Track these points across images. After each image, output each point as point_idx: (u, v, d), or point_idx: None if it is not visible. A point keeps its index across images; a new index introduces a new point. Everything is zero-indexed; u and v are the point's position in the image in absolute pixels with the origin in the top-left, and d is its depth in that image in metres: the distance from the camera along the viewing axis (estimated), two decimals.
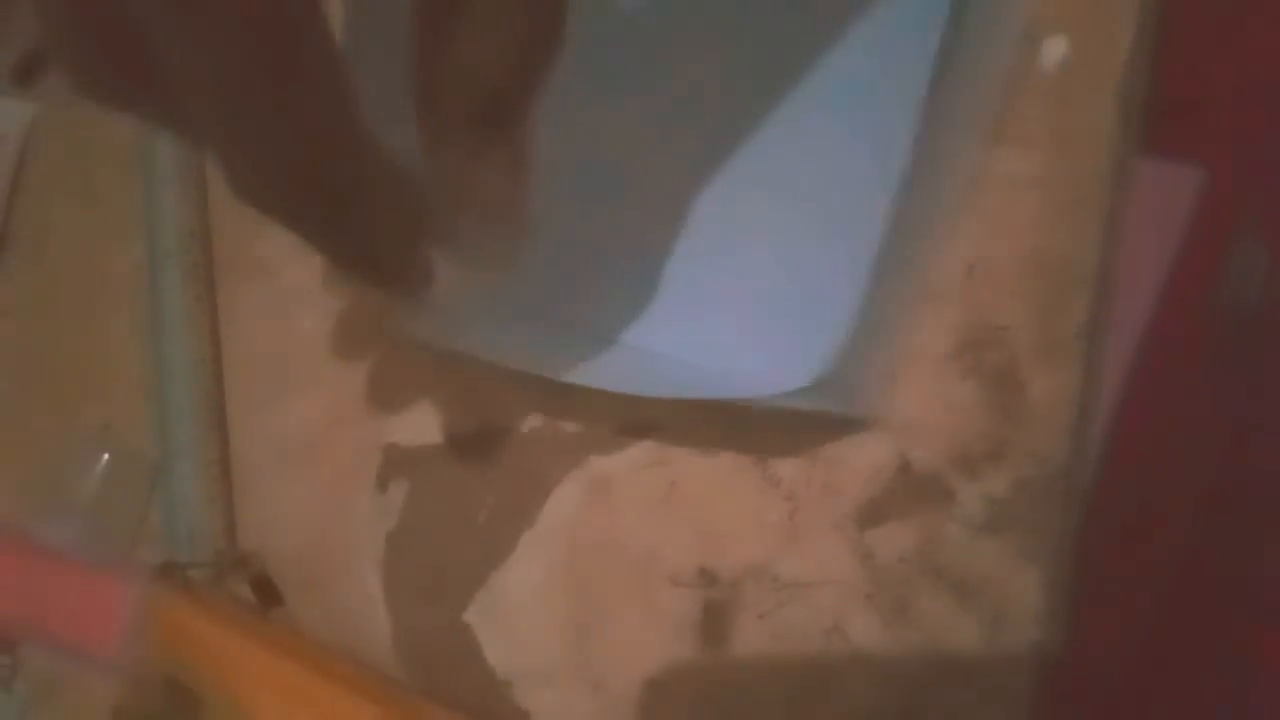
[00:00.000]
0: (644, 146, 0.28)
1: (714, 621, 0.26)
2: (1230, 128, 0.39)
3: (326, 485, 0.33)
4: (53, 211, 0.42)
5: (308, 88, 0.17)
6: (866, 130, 0.25)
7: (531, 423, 0.30)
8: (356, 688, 0.30)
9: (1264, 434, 0.35)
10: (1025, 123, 0.25)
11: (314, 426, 0.33)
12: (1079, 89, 0.24)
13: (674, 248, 0.27)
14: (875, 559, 0.24)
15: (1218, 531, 0.33)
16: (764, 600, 0.26)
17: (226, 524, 0.35)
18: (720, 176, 0.27)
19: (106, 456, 0.37)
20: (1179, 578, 0.32)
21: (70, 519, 0.36)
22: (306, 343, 0.34)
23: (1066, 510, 0.23)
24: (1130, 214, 0.25)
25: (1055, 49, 0.25)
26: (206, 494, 0.35)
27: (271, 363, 0.35)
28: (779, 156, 0.26)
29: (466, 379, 0.31)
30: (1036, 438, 0.23)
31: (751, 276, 0.26)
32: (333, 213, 0.19)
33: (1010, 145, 0.25)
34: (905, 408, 0.25)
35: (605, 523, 0.28)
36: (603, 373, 0.26)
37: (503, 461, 0.30)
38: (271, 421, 0.34)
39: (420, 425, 0.31)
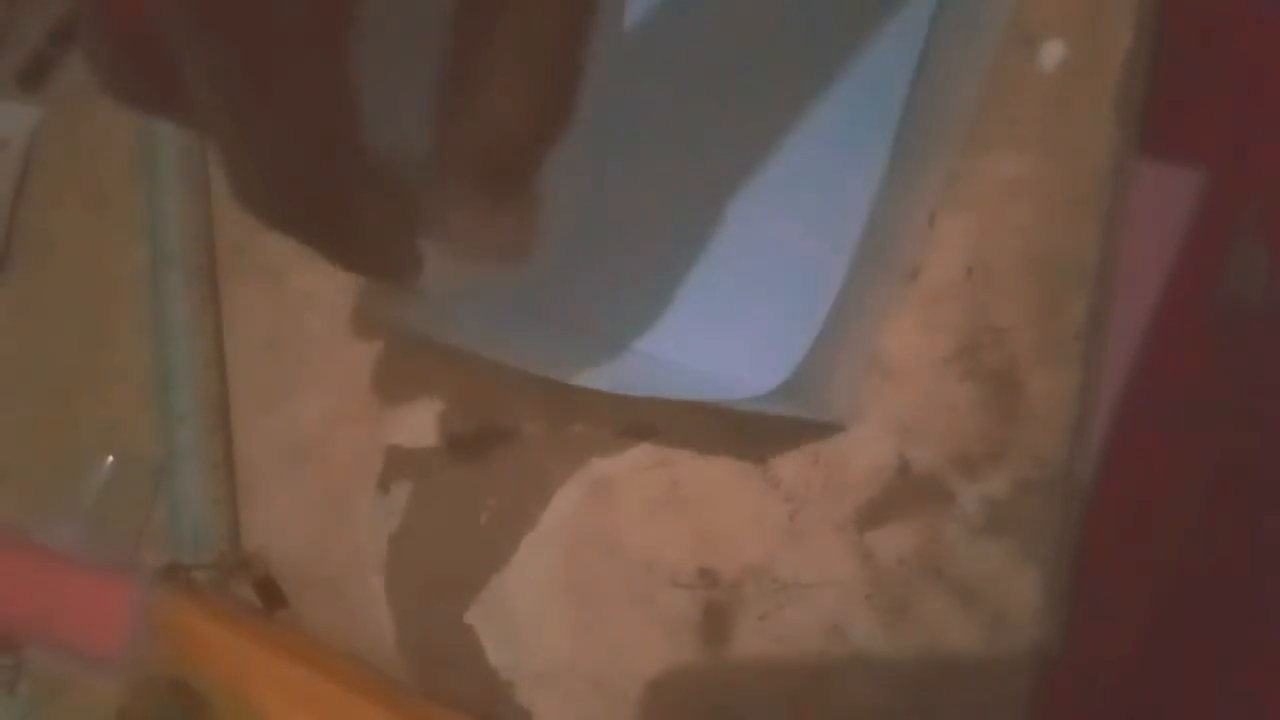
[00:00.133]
0: (633, 156, 0.29)
1: (714, 622, 0.26)
2: (1229, 128, 0.39)
3: (329, 487, 0.33)
4: (58, 215, 0.42)
5: (315, 89, 0.17)
6: (845, 133, 0.25)
7: (533, 424, 0.30)
8: (361, 689, 0.30)
9: (1265, 434, 0.35)
10: (1023, 125, 0.25)
11: (317, 428, 0.34)
12: (1077, 91, 0.24)
13: (657, 250, 0.27)
14: (875, 560, 0.24)
15: (1218, 531, 0.33)
16: (764, 601, 0.26)
17: (230, 526, 0.35)
18: (706, 183, 0.27)
19: (110, 459, 0.37)
20: (1179, 577, 0.32)
21: (74, 521, 0.36)
22: (310, 345, 0.34)
23: (1066, 511, 0.23)
24: (1130, 214, 0.25)
25: (1053, 52, 0.25)
26: (210, 496, 0.35)
27: (275, 365, 0.35)
28: (759, 162, 0.26)
29: (468, 381, 0.31)
30: (1036, 438, 0.23)
31: (727, 280, 0.26)
32: (330, 214, 0.19)
33: (1008, 147, 0.25)
34: (904, 409, 0.25)
35: (606, 524, 0.28)
36: (583, 368, 0.26)
37: (504, 463, 0.30)
38: (275, 423, 0.35)
39: (422, 427, 0.32)
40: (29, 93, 0.44)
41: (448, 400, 0.31)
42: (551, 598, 0.29)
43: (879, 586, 0.24)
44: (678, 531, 0.27)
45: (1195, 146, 0.38)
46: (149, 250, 0.38)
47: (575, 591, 0.28)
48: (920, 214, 0.25)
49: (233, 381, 0.36)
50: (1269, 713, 0.29)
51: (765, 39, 0.27)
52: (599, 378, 0.26)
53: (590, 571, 0.28)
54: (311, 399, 0.34)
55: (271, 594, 0.34)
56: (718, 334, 0.26)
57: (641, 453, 0.28)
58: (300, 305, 0.35)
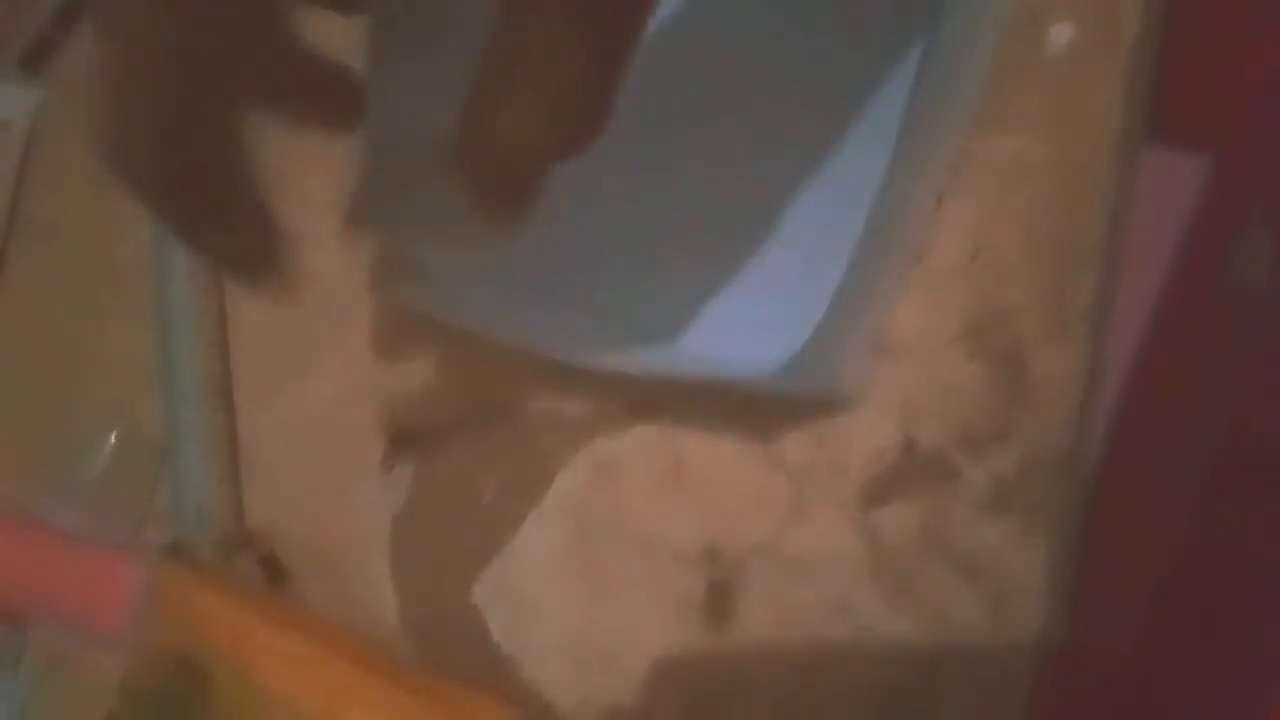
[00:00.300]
0: (641, 142, 0.29)
1: (719, 600, 0.26)
2: (1237, 117, 0.39)
3: (334, 466, 0.33)
4: (60, 197, 0.42)
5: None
6: (853, 115, 0.25)
7: (538, 404, 0.30)
8: (364, 662, 0.30)
9: (1270, 420, 0.35)
10: (1031, 107, 0.25)
11: (322, 408, 0.34)
12: (1085, 74, 0.24)
13: (666, 234, 0.27)
14: (880, 538, 0.25)
15: (1222, 518, 0.33)
16: (769, 579, 0.26)
17: (234, 504, 0.35)
18: (714, 167, 0.27)
19: (115, 438, 0.37)
20: (1183, 561, 0.32)
21: (79, 499, 0.37)
22: (315, 325, 0.34)
23: (1071, 489, 0.23)
24: (1136, 200, 0.26)
25: (1062, 34, 0.25)
26: (214, 475, 0.35)
27: (280, 345, 0.35)
28: (767, 145, 0.26)
29: (473, 361, 0.31)
30: (1042, 418, 0.23)
31: (736, 261, 0.26)
32: (203, 184, 0.19)
33: (1015, 130, 0.25)
34: (910, 389, 0.25)
35: (611, 503, 0.28)
36: (591, 349, 0.27)
37: (509, 442, 0.30)
38: (280, 403, 0.35)
39: (427, 406, 0.32)
40: (31, 75, 0.44)
41: (452, 380, 0.32)
42: (555, 575, 0.29)
43: (883, 564, 0.24)
44: (682, 510, 0.27)
45: (1202, 135, 0.38)
46: (152, 230, 0.38)
47: (579, 569, 0.28)
48: (929, 193, 0.25)
49: (238, 361, 0.36)
50: (1274, 698, 0.29)
51: (775, 24, 0.27)
52: (607, 358, 0.26)
53: (594, 550, 0.28)
54: (316, 379, 0.34)
55: (275, 571, 0.34)
56: (726, 314, 0.26)
57: (645, 432, 0.28)
58: (306, 286, 0.35)
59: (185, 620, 0.32)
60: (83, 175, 0.41)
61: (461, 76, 0.20)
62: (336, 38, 0.23)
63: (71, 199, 0.41)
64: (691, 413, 0.28)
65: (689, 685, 0.27)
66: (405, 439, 0.32)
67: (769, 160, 0.26)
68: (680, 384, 0.27)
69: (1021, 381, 0.24)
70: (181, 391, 0.36)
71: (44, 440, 0.39)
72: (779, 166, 0.26)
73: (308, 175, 0.35)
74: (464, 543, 0.30)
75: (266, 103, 0.22)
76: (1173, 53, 0.27)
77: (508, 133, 0.18)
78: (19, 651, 0.36)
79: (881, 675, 0.24)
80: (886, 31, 0.25)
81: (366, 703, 0.29)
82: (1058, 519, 0.23)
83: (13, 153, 0.42)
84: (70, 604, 0.35)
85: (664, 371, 0.25)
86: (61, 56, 0.44)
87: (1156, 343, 0.36)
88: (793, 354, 0.23)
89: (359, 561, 0.32)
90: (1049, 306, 0.24)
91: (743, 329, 0.26)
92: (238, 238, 0.21)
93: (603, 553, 0.28)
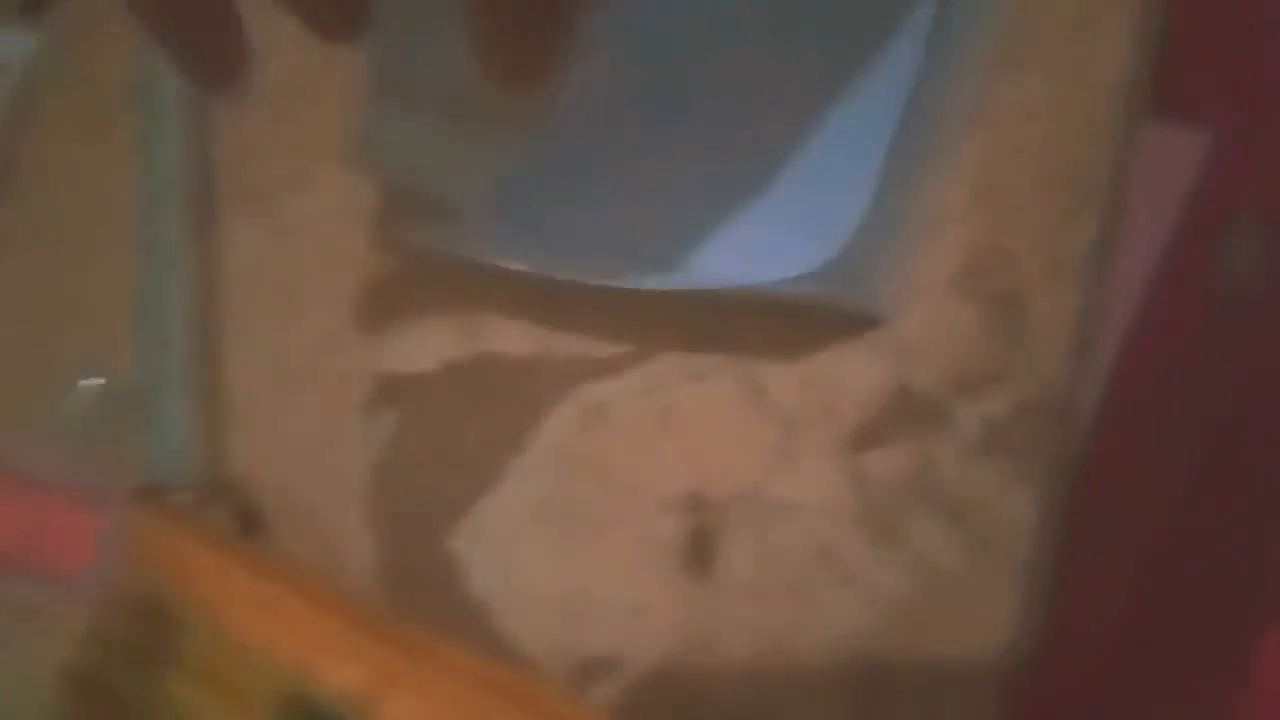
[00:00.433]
0: (659, 67, 0.28)
1: (702, 545, 0.26)
2: (1236, 103, 0.39)
3: (316, 414, 0.33)
4: (54, 142, 0.41)
5: None
6: (871, 50, 0.24)
7: (525, 349, 0.29)
8: (337, 611, 0.29)
9: (1262, 401, 0.35)
10: (1039, 46, 0.24)
11: (306, 355, 0.33)
12: (1096, 11, 0.24)
13: (680, 155, 0.27)
14: (868, 482, 0.24)
15: (1211, 492, 0.33)
16: (752, 524, 0.25)
17: (212, 451, 0.34)
18: (742, 85, 0.26)
19: (93, 382, 0.36)
20: (1167, 546, 0.32)
21: (56, 443, 0.36)
22: (301, 272, 0.34)
23: (1065, 433, 0.22)
24: (1135, 173, 0.25)
25: None
26: (193, 421, 0.35)
27: (265, 291, 0.35)
28: (795, 65, 0.26)
29: (461, 307, 0.30)
30: (1039, 360, 0.23)
31: (769, 178, 0.26)
32: None
33: (1023, 68, 0.24)
34: (907, 330, 0.24)
35: (597, 449, 0.28)
36: (619, 269, 0.26)
37: (494, 388, 0.29)
38: (264, 350, 0.34)
39: (413, 352, 0.31)
40: (29, 19, 0.43)
41: (439, 326, 0.31)
42: (537, 523, 0.28)
43: (869, 509, 0.24)
44: (668, 456, 0.27)
45: (1203, 115, 0.38)
46: (142, 174, 0.38)
47: (561, 516, 0.28)
48: (960, 102, 0.24)
49: (222, 308, 0.35)
50: (1262, 669, 0.29)
51: None
52: (635, 277, 0.25)
53: (577, 496, 0.28)
54: (301, 326, 0.33)
55: (251, 519, 0.33)
56: (762, 228, 0.25)
57: (635, 377, 0.28)
58: (293, 232, 0.34)
59: (155, 566, 0.31)
60: (79, 121, 0.41)
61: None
62: None
63: (66, 144, 0.41)
64: (681, 360, 0.27)
65: (669, 633, 0.26)
66: (390, 386, 0.31)
67: (784, 91, 0.26)
68: (671, 329, 0.26)
69: (1019, 323, 0.23)
70: (163, 336, 0.36)
71: (24, 382, 0.38)
72: (806, 82, 0.26)
73: (304, 120, 0.34)
74: (445, 491, 0.30)
75: None
76: (1178, 28, 0.27)
77: None
78: None
79: (864, 621, 0.23)
80: None
81: (342, 654, 0.29)
82: (1049, 463, 0.22)
83: (9, 94, 0.42)
84: (41, 547, 0.34)
85: (702, 284, 0.25)
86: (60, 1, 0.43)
87: (1148, 323, 0.35)
88: (828, 259, 0.22)
89: (337, 509, 0.31)
90: (1052, 246, 0.23)
91: (780, 240, 0.25)
92: (205, 36, 0.21)
93: (585, 499, 0.28)
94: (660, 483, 0.27)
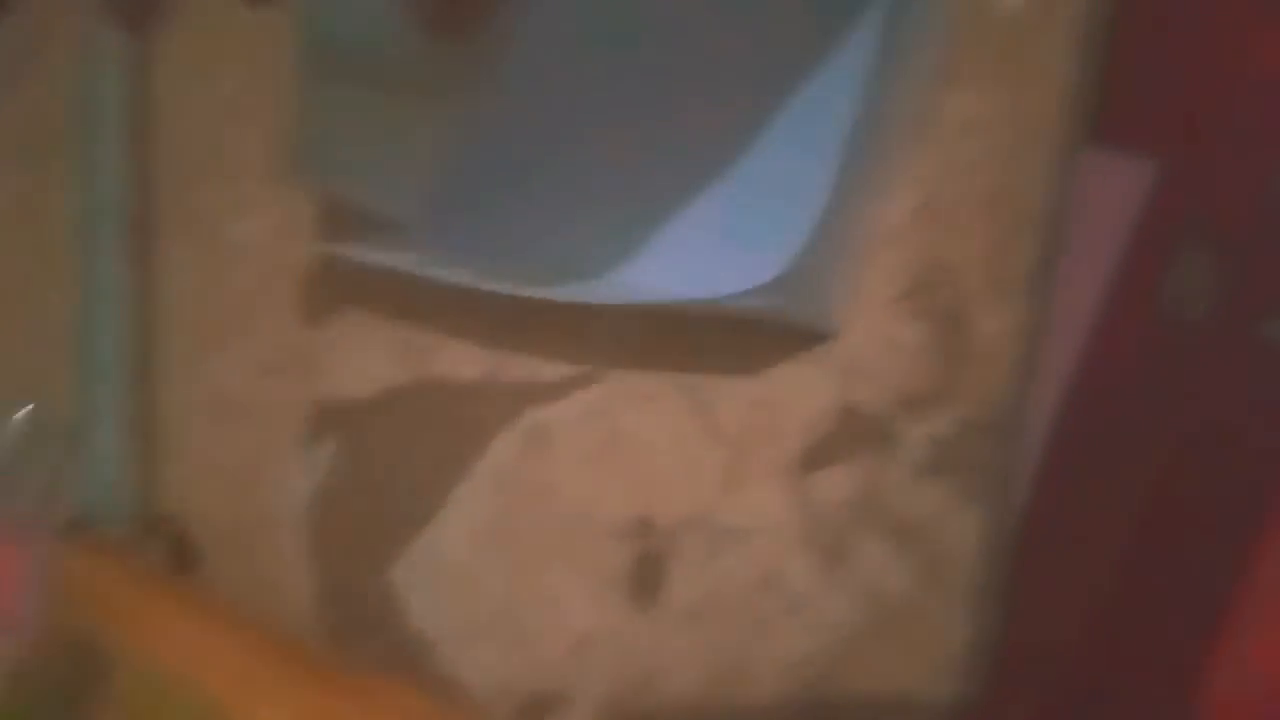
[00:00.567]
0: (607, 79, 0.28)
1: (648, 572, 0.25)
2: (1181, 126, 0.39)
3: (253, 443, 0.32)
4: None
5: None
6: (825, 52, 0.24)
7: (469, 373, 0.29)
8: (272, 651, 0.28)
9: (1214, 420, 0.35)
10: (981, 64, 0.24)
11: (244, 383, 0.32)
12: (1038, 29, 0.24)
13: (635, 153, 0.26)
14: (815, 504, 0.24)
15: (1169, 516, 0.32)
16: (700, 549, 0.25)
17: (146, 483, 0.33)
18: (690, 106, 0.26)
19: (23, 414, 0.35)
20: (1126, 565, 0.32)
21: None
22: (241, 297, 0.33)
23: (1011, 449, 0.22)
24: (1082, 197, 0.25)
25: None
26: (126, 453, 0.34)
27: (203, 318, 0.34)
28: (733, 87, 0.26)
29: (404, 331, 0.30)
30: (984, 378, 0.23)
31: (719, 197, 0.25)
32: None
33: (964, 87, 0.24)
34: (851, 349, 0.24)
35: (542, 475, 0.27)
36: (558, 279, 0.25)
37: (438, 414, 0.29)
38: (200, 378, 0.33)
39: (354, 379, 0.30)
40: None
41: (381, 351, 0.30)
42: (480, 552, 0.27)
43: (817, 531, 0.23)
44: (615, 481, 0.26)
45: (1146, 142, 0.38)
46: (82, 200, 0.37)
47: (506, 544, 0.27)
48: (908, 116, 0.24)
49: (159, 335, 0.35)
50: (1218, 687, 0.28)
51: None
52: (588, 290, 0.25)
53: (523, 523, 0.27)
54: (239, 353, 0.33)
55: (186, 554, 0.32)
56: (711, 242, 0.25)
57: (581, 401, 0.27)
58: (233, 257, 0.34)
59: (86, 604, 0.30)
60: (13, 150, 0.40)
61: None
62: None
63: (3, 173, 0.40)
64: (628, 383, 0.27)
65: (615, 666, 0.25)
66: (329, 413, 0.31)
67: (733, 100, 0.26)
68: (617, 352, 0.25)
69: (963, 341, 0.23)
70: (98, 366, 0.35)
71: None
72: (744, 106, 0.25)
73: (243, 144, 0.34)
74: (386, 520, 0.29)
75: None
76: (1119, 52, 0.27)
77: None
78: None
79: (812, 649, 0.23)
80: None
81: (271, 692, 0.28)
82: (996, 481, 0.22)
83: None
84: None
85: (651, 297, 0.24)
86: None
87: (1095, 349, 0.35)
88: (777, 273, 0.22)
89: (274, 542, 0.30)
90: (995, 263, 0.23)
91: (730, 256, 0.25)
92: None
93: (530, 527, 0.27)
94: (607, 508, 0.26)
